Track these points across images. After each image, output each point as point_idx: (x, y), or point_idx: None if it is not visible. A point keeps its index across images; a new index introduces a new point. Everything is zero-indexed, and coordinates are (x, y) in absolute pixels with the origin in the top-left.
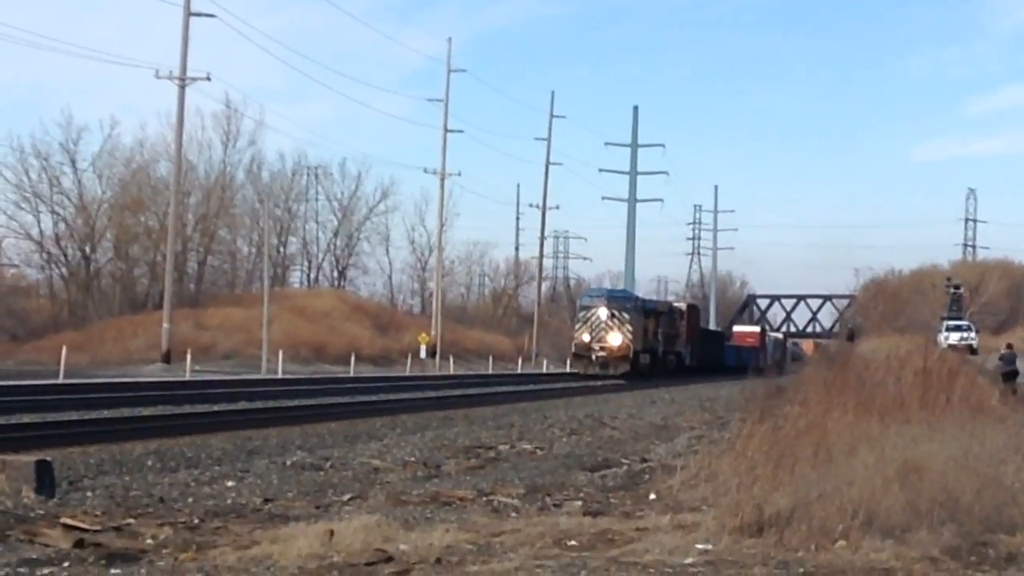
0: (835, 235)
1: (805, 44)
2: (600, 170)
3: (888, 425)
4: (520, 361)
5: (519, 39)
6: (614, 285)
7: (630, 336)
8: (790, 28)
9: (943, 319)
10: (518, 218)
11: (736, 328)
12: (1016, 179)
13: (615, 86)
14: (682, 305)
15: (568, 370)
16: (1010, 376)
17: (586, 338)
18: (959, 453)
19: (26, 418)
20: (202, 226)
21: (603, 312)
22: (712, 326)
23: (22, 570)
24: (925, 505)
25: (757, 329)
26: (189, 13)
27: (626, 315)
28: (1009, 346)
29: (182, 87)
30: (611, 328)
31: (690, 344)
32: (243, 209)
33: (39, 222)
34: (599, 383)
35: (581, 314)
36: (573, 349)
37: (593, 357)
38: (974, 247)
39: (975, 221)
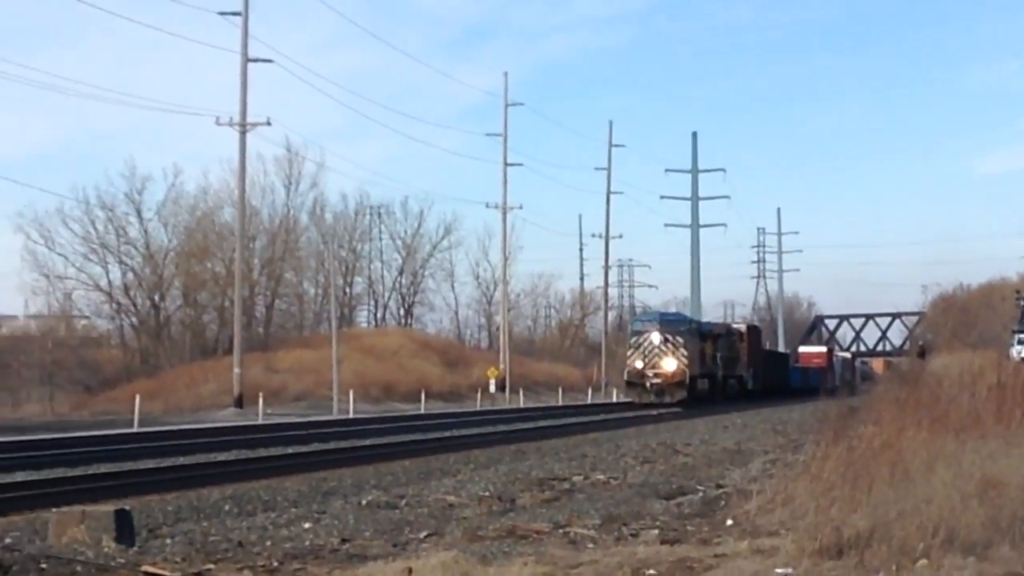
0: (901, 252)
1: (862, 61)
2: (661, 197)
3: (964, 441)
4: (590, 391)
5: (575, 70)
6: (680, 311)
7: (685, 361)
8: (846, 46)
9: (1014, 332)
10: (581, 248)
11: (802, 349)
12: None
13: (673, 113)
14: (742, 326)
15: (623, 399)
16: None
17: (639, 364)
18: None
19: (103, 468)
20: (268, 270)
21: (656, 337)
22: (781, 348)
23: None
24: (1006, 521)
25: (824, 349)
26: (247, 59)
27: (680, 339)
28: None
29: (243, 133)
30: (665, 353)
31: (752, 367)
32: (308, 251)
33: (107, 273)
34: (655, 412)
35: (633, 340)
36: (625, 377)
37: (647, 384)
38: None
39: None
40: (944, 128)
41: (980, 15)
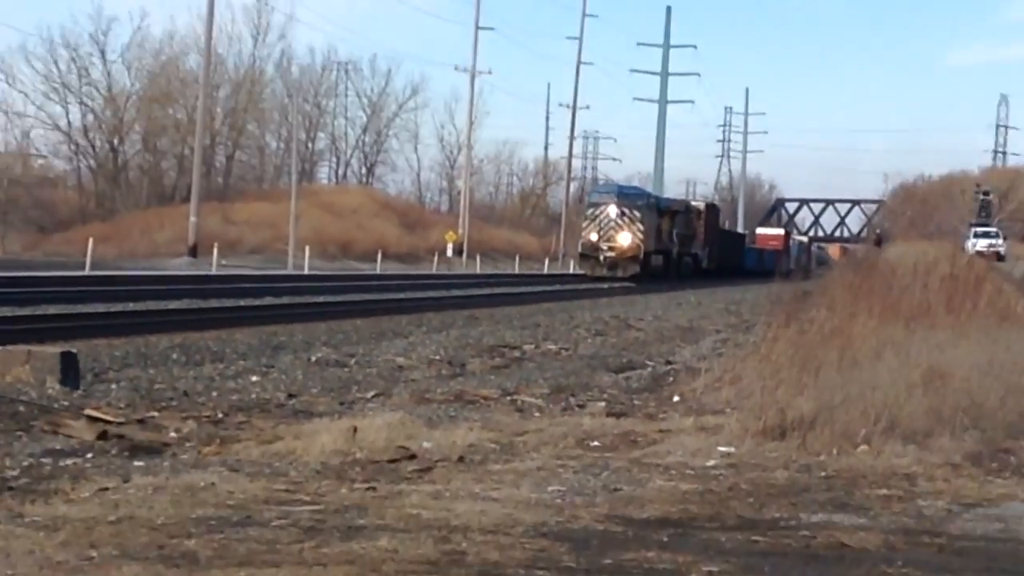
0: (865, 140)
1: None
2: (631, 70)
3: (914, 331)
4: (547, 262)
5: None
6: (643, 186)
7: (641, 235)
8: None
9: (971, 226)
10: (548, 117)
11: (759, 230)
12: None
13: None
14: (700, 204)
15: (574, 271)
16: None
17: (593, 237)
18: (984, 360)
19: (52, 309)
20: (231, 120)
21: (612, 209)
22: (740, 229)
23: (45, 460)
24: (948, 411)
25: (781, 232)
26: None
27: (637, 213)
28: None
29: None
30: (621, 227)
31: (708, 246)
32: (272, 104)
33: (67, 113)
34: (607, 285)
35: (589, 211)
36: (579, 249)
37: (601, 258)
38: (1004, 154)
39: (1007, 127)
40: (917, 18)
41: None
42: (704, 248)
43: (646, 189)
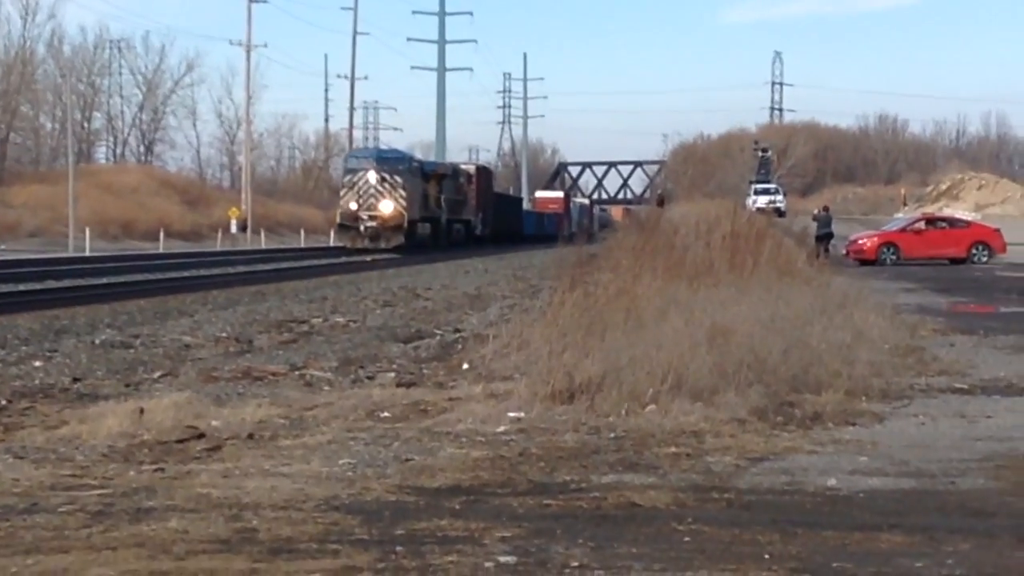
0: (645, 101)
1: None
2: (408, 39)
3: (697, 289)
4: (332, 234)
5: None
6: (425, 156)
7: (404, 203)
8: None
9: (751, 183)
10: (327, 89)
11: (538, 194)
12: (822, 41)
13: None
14: (470, 168)
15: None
16: (824, 238)
17: (352, 206)
18: (766, 315)
19: None
20: (3, 102)
21: (372, 176)
22: (525, 195)
23: None
24: (732, 367)
25: (560, 195)
26: None
27: (399, 178)
28: (826, 208)
29: None
30: (381, 194)
31: (481, 211)
32: (45, 84)
33: None
34: (370, 258)
35: (347, 178)
36: (338, 219)
37: (361, 228)
38: (781, 110)
39: (782, 84)
40: None
41: None
42: (477, 214)
43: (405, 151)
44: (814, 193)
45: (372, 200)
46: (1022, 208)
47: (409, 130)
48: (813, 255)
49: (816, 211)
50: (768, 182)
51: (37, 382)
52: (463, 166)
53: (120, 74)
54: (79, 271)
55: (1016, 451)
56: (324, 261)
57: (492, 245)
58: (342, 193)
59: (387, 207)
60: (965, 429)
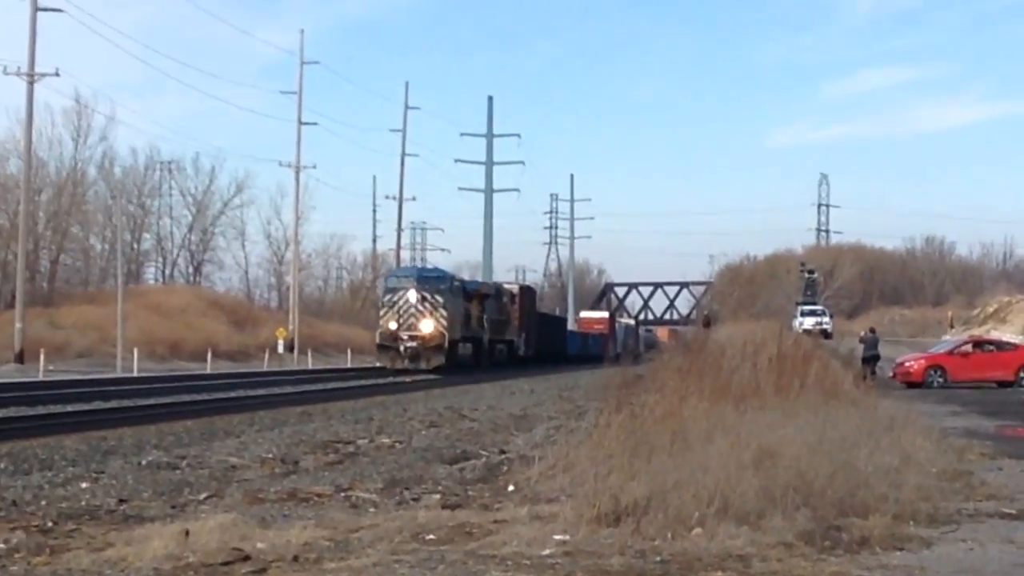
0: (691, 222)
1: (660, 31)
2: (456, 161)
3: (744, 411)
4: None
5: (373, 30)
6: (473, 276)
7: (445, 322)
8: (645, 15)
9: (798, 304)
10: (375, 210)
11: (583, 314)
12: (867, 163)
13: (471, 76)
14: (514, 287)
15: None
16: (871, 360)
17: (392, 326)
18: (813, 438)
19: None
20: (54, 223)
21: (412, 295)
22: (570, 315)
23: None
24: (779, 491)
25: (605, 315)
26: (36, 8)
27: (440, 298)
28: (872, 330)
29: (31, 83)
30: (422, 314)
31: (524, 331)
32: (95, 205)
33: None
34: (410, 379)
35: (387, 298)
36: (377, 339)
37: (401, 348)
38: (827, 232)
39: (827, 206)
40: (739, 100)
41: None
42: (520, 334)
43: (447, 271)
44: (860, 315)
45: (412, 320)
46: None
47: (457, 250)
48: (860, 377)
49: (863, 333)
50: (814, 303)
51: (83, 503)
52: (506, 286)
53: (170, 195)
54: (127, 392)
55: None
56: (370, 381)
57: (536, 365)
58: (382, 313)
59: (428, 327)
60: (1014, 555)
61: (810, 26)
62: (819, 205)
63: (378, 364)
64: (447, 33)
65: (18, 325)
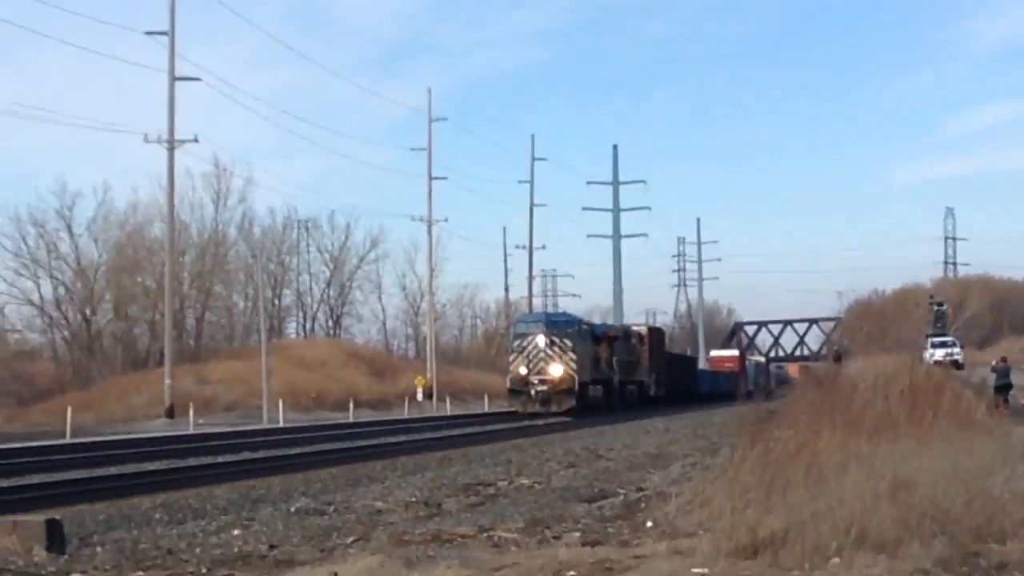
0: (819, 260)
1: (781, 74)
2: (583, 208)
3: (877, 443)
4: None
5: (498, 85)
6: (603, 320)
7: (574, 365)
8: (766, 59)
9: (928, 336)
10: (506, 260)
11: (712, 353)
12: (992, 195)
13: (595, 125)
14: (642, 328)
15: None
16: (1003, 388)
17: (523, 371)
18: (948, 467)
19: (35, 478)
20: (198, 283)
21: (541, 340)
22: (701, 354)
23: None
24: (916, 519)
25: (735, 353)
26: (174, 78)
27: (568, 341)
28: (1004, 359)
29: (171, 150)
30: (551, 358)
31: (654, 372)
32: (237, 265)
33: (39, 287)
34: (541, 422)
35: (516, 343)
36: (508, 384)
37: (532, 392)
38: (955, 264)
39: (955, 239)
40: (862, 138)
41: (895, 28)
42: (651, 375)
43: (574, 315)
44: (991, 345)
45: (542, 364)
46: None
47: (587, 296)
48: (993, 406)
49: (994, 362)
50: (944, 335)
51: (236, 550)
52: (634, 327)
53: (308, 252)
54: (273, 442)
55: None
56: (508, 425)
57: (667, 405)
58: (512, 358)
59: (557, 370)
60: None
61: (930, 63)
62: (946, 238)
63: (509, 408)
64: (570, 85)
65: (168, 381)
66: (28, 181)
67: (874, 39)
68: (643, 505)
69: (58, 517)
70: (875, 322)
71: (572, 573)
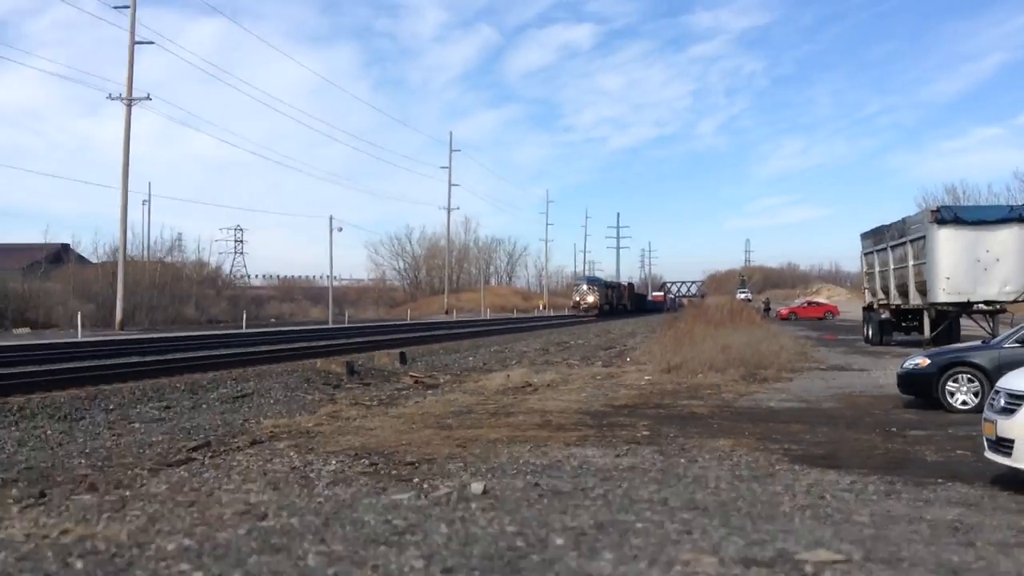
0: (697, 253)
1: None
2: (607, 236)
3: (717, 329)
4: (567, 311)
5: None
6: (611, 278)
7: (599, 297)
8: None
9: (737, 289)
10: (587, 246)
11: (653, 293)
12: (778, 232)
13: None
14: (624, 282)
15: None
16: (766, 310)
17: (577, 299)
18: (744, 339)
19: (399, 336)
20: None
21: (585, 287)
22: (649, 293)
23: (396, 391)
24: (733, 359)
25: (662, 294)
26: (134, 42)
27: (596, 287)
28: (767, 299)
29: (128, 106)
30: (589, 292)
31: (630, 301)
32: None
33: (401, 264)
34: (584, 318)
35: (576, 287)
36: (572, 303)
37: (582, 307)
38: (749, 260)
39: (748, 251)
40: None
41: None
42: (629, 301)
43: (599, 276)
44: (762, 292)
45: (586, 296)
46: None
47: (608, 269)
48: (762, 316)
49: (764, 300)
50: (744, 289)
51: (470, 364)
52: (623, 282)
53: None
54: (487, 323)
55: (845, 391)
56: (574, 320)
57: (635, 314)
58: (575, 294)
59: (592, 299)
60: (823, 384)
61: None
62: (746, 252)
63: (574, 313)
64: None
65: (446, 301)
66: (392, 217)
67: None
68: (626, 352)
69: (404, 351)
70: (719, 283)
71: (599, 376)
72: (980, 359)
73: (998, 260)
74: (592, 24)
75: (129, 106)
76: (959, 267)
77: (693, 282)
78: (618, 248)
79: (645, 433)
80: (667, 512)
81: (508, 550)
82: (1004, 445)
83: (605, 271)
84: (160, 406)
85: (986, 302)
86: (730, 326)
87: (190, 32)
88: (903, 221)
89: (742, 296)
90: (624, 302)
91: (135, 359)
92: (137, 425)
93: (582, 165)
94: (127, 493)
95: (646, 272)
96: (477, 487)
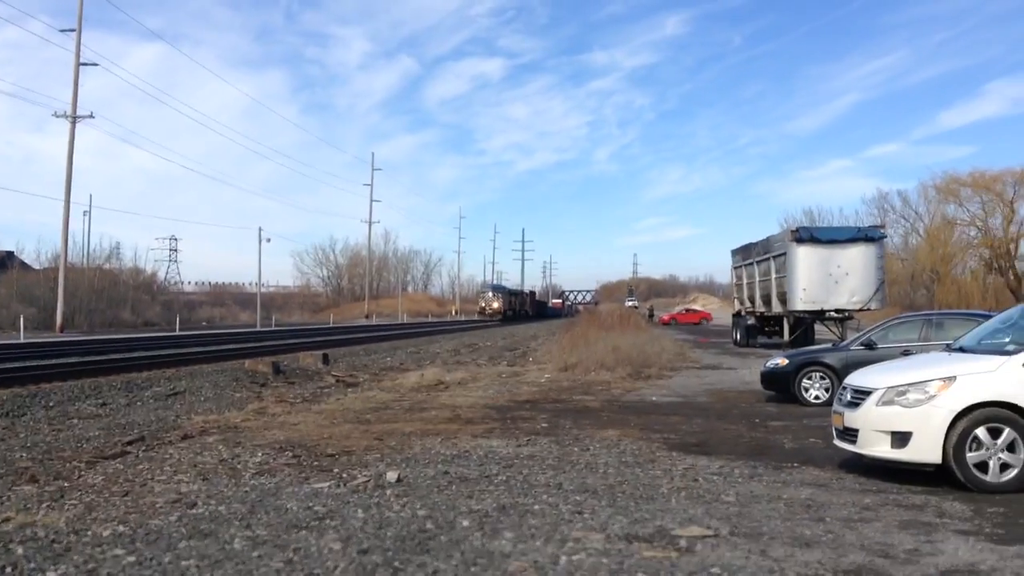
0: (593, 265)
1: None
2: (513, 250)
3: (609, 332)
4: (458, 315)
5: None
6: (515, 286)
7: (503, 304)
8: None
9: (627, 297)
10: (494, 252)
11: (553, 300)
12: (665, 248)
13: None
14: (527, 290)
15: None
16: (650, 316)
17: (482, 304)
18: (631, 341)
19: (318, 339)
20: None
21: (490, 294)
22: (549, 300)
23: (319, 389)
24: (621, 359)
25: (560, 300)
26: (79, 64)
27: (500, 294)
28: (651, 306)
29: (73, 124)
30: (494, 300)
31: (532, 307)
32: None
33: (324, 271)
34: (490, 323)
35: (482, 294)
36: (479, 310)
37: (487, 313)
38: (637, 272)
39: (636, 264)
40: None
41: None
42: (531, 308)
43: (504, 284)
44: (647, 300)
45: (491, 303)
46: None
47: (512, 277)
48: (647, 321)
49: (648, 307)
50: (632, 296)
51: (389, 363)
52: (526, 290)
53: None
54: (401, 327)
55: (715, 388)
56: (479, 324)
57: (536, 320)
58: (481, 300)
59: (496, 305)
60: (698, 380)
61: None
62: (634, 264)
63: (480, 318)
64: None
65: (367, 307)
66: (324, 228)
67: None
68: (527, 352)
69: (327, 352)
70: (610, 292)
71: (504, 375)
72: (831, 359)
73: (847, 274)
74: (503, 58)
75: (73, 123)
76: (814, 280)
77: (588, 291)
78: (523, 260)
79: (544, 425)
80: (561, 495)
81: (419, 532)
82: (850, 434)
83: (511, 280)
84: (97, 403)
85: (837, 310)
86: (619, 330)
87: (132, 55)
88: (767, 239)
89: (630, 304)
90: (527, 308)
91: (74, 359)
92: (75, 421)
93: (492, 185)
94: (66, 484)
95: (547, 281)
96: (392, 476)
